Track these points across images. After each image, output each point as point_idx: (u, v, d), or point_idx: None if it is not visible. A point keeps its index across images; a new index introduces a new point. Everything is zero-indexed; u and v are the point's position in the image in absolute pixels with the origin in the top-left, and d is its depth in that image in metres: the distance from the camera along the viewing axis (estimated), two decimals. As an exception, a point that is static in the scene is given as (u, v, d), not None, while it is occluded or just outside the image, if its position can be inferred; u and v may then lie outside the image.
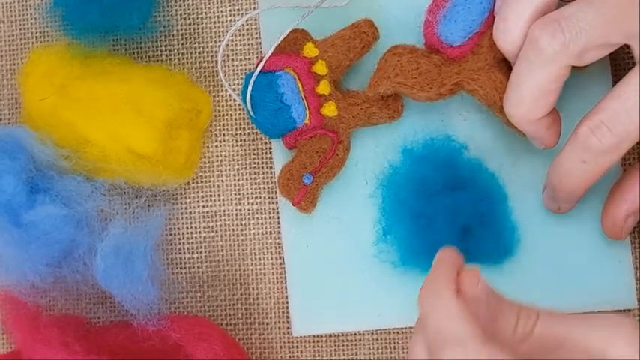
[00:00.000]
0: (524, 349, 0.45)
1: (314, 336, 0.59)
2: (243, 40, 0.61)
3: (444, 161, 0.57)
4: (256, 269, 0.60)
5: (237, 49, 0.61)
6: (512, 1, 0.51)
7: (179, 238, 0.61)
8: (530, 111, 0.52)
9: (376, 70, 0.55)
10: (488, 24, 0.53)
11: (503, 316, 0.46)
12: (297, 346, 0.60)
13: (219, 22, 0.61)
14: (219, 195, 0.60)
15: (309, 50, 0.56)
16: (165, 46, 0.61)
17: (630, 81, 0.49)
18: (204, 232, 0.61)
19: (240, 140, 0.61)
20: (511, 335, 0.45)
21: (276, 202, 0.60)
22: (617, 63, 0.57)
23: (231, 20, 0.61)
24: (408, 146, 0.57)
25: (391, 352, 0.58)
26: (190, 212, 0.61)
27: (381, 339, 0.59)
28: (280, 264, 0.60)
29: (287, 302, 0.59)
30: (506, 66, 0.54)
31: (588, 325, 0.44)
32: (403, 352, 0.58)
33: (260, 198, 0.60)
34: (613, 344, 0.43)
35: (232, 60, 0.61)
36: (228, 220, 0.60)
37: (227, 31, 0.61)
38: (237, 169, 0.60)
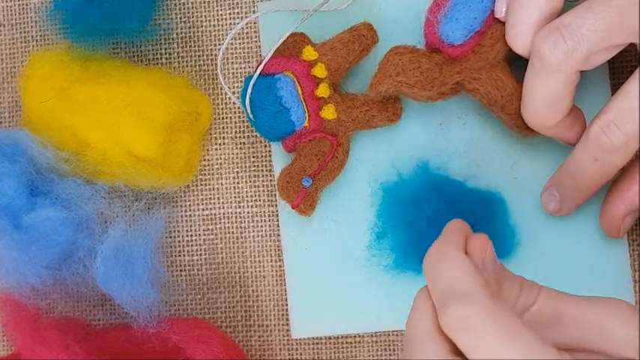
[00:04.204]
0: (523, 321, 0.45)
1: (313, 338, 0.59)
2: (243, 43, 0.61)
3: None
4: (256, 272, 0.60)
5: (236, 52, 0.61)
6: (518, 7, 0.51)
7: (179, 241, 0.61)
8: (546, 118, 0.52)
9: (377, 70, 0.55)
10: (489, 23, 0.53)
11: (507, 287, 0.46)
12: (296, 349, 0.60)
13: (218, 25, 0.61)
14: (218, 198, 0.61)
15: (309, 53, 0.56)
16: (165, 49, 0.62)
17: (637, 80, 0.49)
18: (204, 235, 0.61)
19: (240, 143, 0.61)
20: (512, 307, 0.45)
21: (276, 205, 0.60)
22: (615, 66, 0.57)
23: (230, 23, 0.61)
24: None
25: (390, 354, 0.58)
26: (190, 215, 0.61)
27: (380, 341, 0.59)
28: (280, 266, 0.60)
29: (286, 304, 0.59)
30: (507, 65, 0.54)
31: (587, 304, 0.45)
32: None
33: (260, 201, 0.60)
34: (611, 322, 0.43)
35: (232, 63, 0.61)
36: (228, 222, 0.60)
37: (227, 35, 0.61)
38: (237, 172, 0.60)
